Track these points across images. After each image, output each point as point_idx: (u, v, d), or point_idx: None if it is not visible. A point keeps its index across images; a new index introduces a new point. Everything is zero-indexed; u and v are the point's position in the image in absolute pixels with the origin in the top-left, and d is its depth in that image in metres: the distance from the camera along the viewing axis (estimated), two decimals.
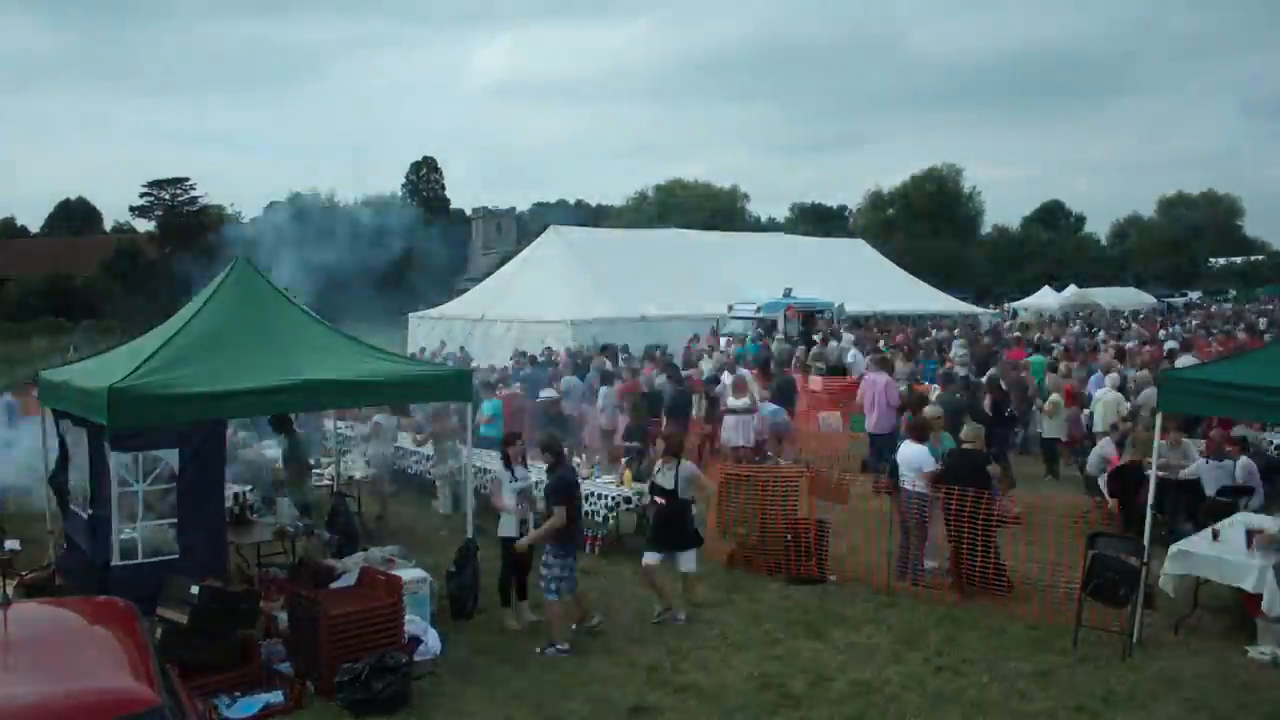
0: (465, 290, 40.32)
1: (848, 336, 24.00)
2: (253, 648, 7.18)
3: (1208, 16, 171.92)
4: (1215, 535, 8.49)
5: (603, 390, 15.33)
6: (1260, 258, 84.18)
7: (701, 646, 8.00)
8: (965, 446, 9.39)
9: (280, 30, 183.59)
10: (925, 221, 78.69)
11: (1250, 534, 8.16)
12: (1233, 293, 67.96)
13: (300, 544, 9.44)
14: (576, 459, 11.96)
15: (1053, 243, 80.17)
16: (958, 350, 20.87)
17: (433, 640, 7.85)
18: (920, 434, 9.80)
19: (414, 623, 7.77)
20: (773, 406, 14.15)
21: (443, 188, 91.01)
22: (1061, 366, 17.01)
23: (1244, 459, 10.54)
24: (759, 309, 27.73)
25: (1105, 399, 13.73)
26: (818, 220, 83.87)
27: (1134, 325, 34.73)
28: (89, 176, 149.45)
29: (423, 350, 23.32)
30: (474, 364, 21.03)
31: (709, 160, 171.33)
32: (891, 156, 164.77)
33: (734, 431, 13.54)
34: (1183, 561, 8.24)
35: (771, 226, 79.32)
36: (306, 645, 7.28)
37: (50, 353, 27.02)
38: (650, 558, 8.65)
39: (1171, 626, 8.27)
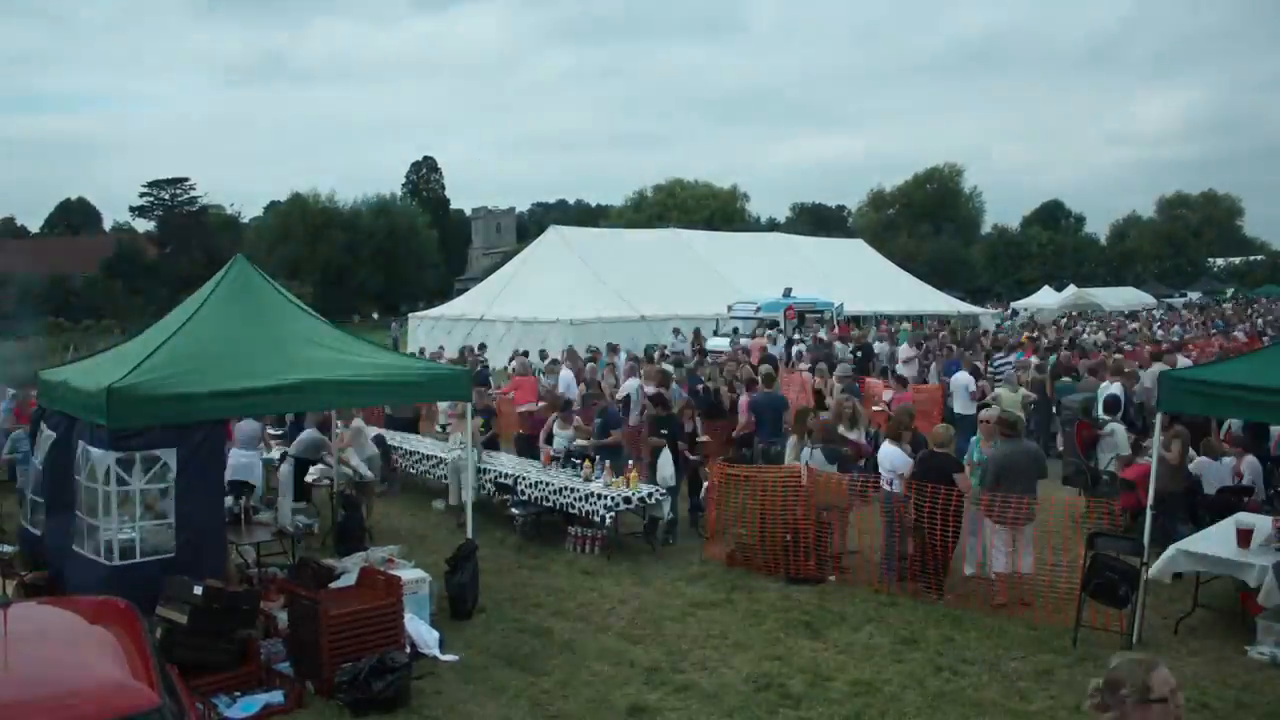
0: (465, 290, 40.35)
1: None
2: (253, 648, 7.18)
3: None
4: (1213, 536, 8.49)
5: None
6: (1260, 257, 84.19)
7: (701, 646, 8.00)
8: (935, 450, 9.32)
9: None
10: (925, 221, 78.77)
11: (1240, 532, 8.13)
12: (1230, 291, 67.90)
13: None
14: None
15: (1053, 243, 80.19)
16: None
17: (432, 639, 7.85)
18: (894, 434, 9.92)
19: (413, 621, 7.80)
20: None
21: (443, 187, 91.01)
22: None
23: (1250, 458, 10.50)
24: (759, 309, 27.76)
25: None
26: (818, 220, 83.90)
27: (1137, 325, 34.77)
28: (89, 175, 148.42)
29: (423, 350, 23.35)
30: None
31: None
32: None
33: None
34: (1181, 560, 8.23)
35: (772, 226, 79.31)
36: (306, 645, 7.27)
37: (50, 353, 27.01)
38: None
39: (1171, 627, 8.28)
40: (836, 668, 7.53)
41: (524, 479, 11.48)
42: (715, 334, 26.83)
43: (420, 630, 7.84)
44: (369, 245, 63.54)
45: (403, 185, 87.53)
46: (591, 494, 10.60)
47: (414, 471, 13.46)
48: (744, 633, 8.31)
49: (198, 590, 6.84)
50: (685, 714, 6.83)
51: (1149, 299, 56.24)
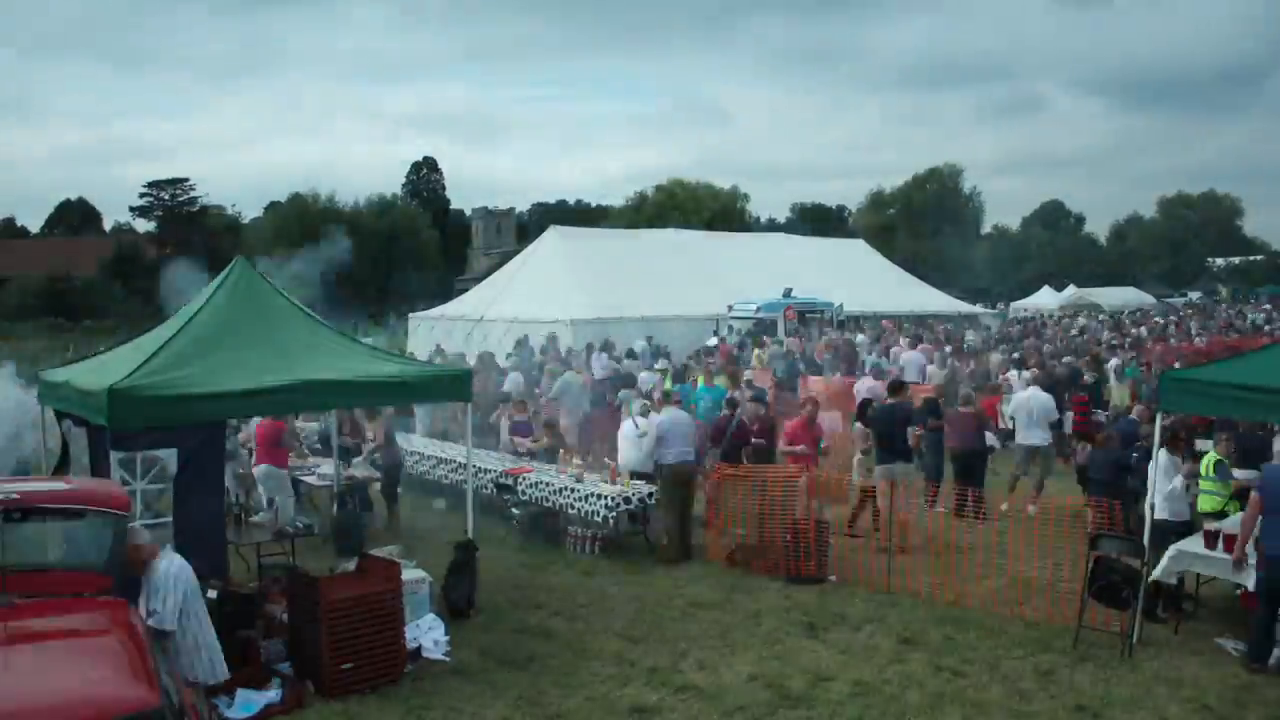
0: (465, 290, 40.32)
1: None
2: (253, 648, 7.17)
3: None
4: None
5: None
6: (1260, 257, 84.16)
7: (701, 646, 8.00)
8: None
9: None
10: (925, 222, 78.74)
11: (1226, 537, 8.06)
12: (1224, 291, 67.80)
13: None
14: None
15: (1052, 243, 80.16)
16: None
17: (434, 640, 7.87)
18: None
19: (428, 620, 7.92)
20: None
21: (443, 188, 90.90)
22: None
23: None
24: (759, 309, 27.75)
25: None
26: (817, 221, 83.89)
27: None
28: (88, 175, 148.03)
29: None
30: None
31: None
32: None
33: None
34: (1182, 560, 8.24)
35: (771, 227, 79.28)
36: (306, 632, 7.26)
37: (49, 353, 27.00)
38: None
39: (1172, 627, 8.28)
40: (836, 668, 7.53)
41: (524, 479, 11.48)
42: (716, 333, 26.80)
43: (422, 631, 7.85)
44: (369, 246, 63.46)
45: (403, 185, 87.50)
46: (591, 494, 10.60)
47: (414, 472, 13.45)
48: (744, 633, 8.32)
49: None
50: (685, 714, 6.83)
51: (1149, 299, 56.21)
